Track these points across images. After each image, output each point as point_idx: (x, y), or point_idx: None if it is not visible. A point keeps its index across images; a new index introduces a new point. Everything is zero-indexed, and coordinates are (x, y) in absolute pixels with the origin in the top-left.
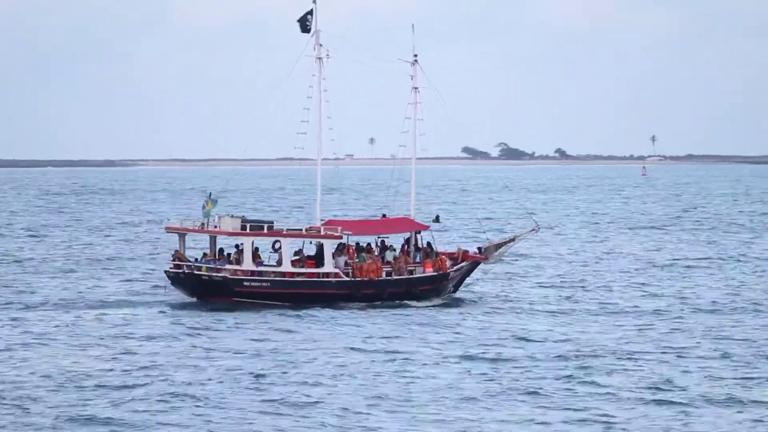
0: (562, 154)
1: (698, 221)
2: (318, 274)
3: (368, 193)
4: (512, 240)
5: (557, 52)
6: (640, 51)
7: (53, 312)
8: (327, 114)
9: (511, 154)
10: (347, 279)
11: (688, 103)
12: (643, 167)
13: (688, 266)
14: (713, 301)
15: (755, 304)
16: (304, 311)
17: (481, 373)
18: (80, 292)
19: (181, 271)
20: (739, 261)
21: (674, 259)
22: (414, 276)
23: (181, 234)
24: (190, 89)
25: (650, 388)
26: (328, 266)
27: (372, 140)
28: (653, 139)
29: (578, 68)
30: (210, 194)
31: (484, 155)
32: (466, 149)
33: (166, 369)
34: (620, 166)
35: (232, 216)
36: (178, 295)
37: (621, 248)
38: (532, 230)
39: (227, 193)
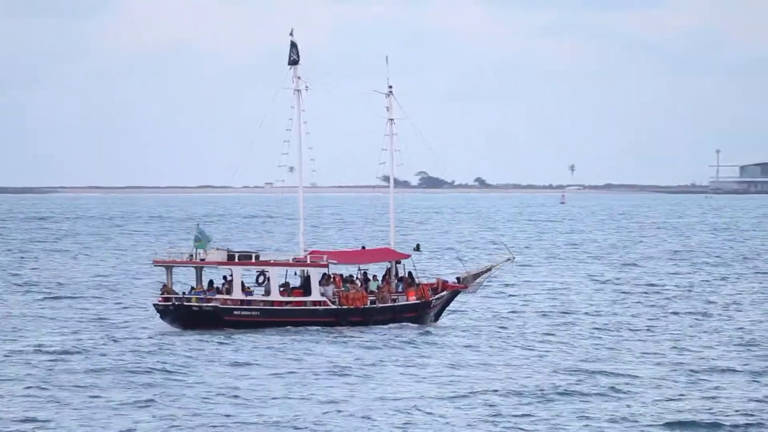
0: (481, 183)
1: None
2: (306, 303)
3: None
4: (489, 270)
5: (477, 81)
6: (560, 81)
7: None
8: (308, 145)
9: (430, 182)
10: (334, 307)
11: (607, 132)
12: (563, 195)
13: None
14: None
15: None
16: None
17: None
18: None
19: (170, 303)
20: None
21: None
22: (398, 304)
23: (169, 267)
24: (110, 117)
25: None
26: (315, 294)
27: (291, 169)
28: (572, 168)
29: (498, 98)
30: (198, 225)
31: (404, 184)
32: (385, 177)
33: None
34: (539, 195)
35: (217, 249)
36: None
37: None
38: (508, 260)
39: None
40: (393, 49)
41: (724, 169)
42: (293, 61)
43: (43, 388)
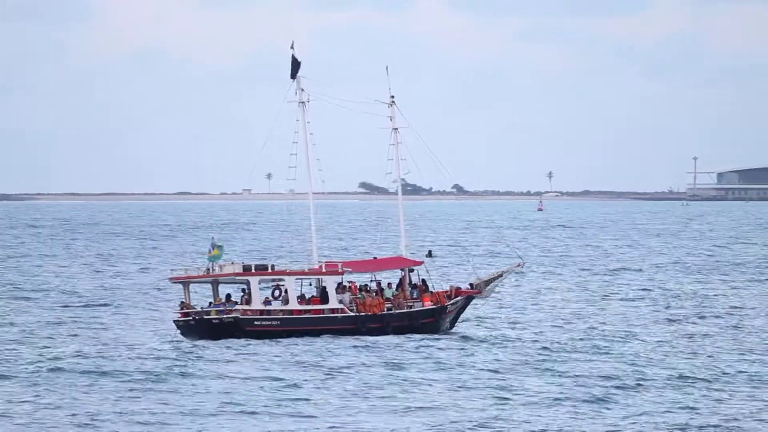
0: (459, 190)
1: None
2: (324, 311)
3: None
4: (500, 275)
5: (454, 88)
6: (538, 87)
7: None
8: (315, 156)
9: (407, 189)
10: (353, 314)
11: (584, 139)
12: (540, 202)
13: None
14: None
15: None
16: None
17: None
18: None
19: (190, 318)
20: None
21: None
22: (415, 309)
23: (186, 283)
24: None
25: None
26: (333, 302)
27: (269, 175)
28: (550, 175)
29: (476, 104)
30: (213, 238)
31: (382, 190)
32: (363, 184)
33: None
34: (517, 201)
35: (232, 263)
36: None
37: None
38: (518, 266)
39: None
40: (370, 56)
41: (701, 176)
42: (295, 75)
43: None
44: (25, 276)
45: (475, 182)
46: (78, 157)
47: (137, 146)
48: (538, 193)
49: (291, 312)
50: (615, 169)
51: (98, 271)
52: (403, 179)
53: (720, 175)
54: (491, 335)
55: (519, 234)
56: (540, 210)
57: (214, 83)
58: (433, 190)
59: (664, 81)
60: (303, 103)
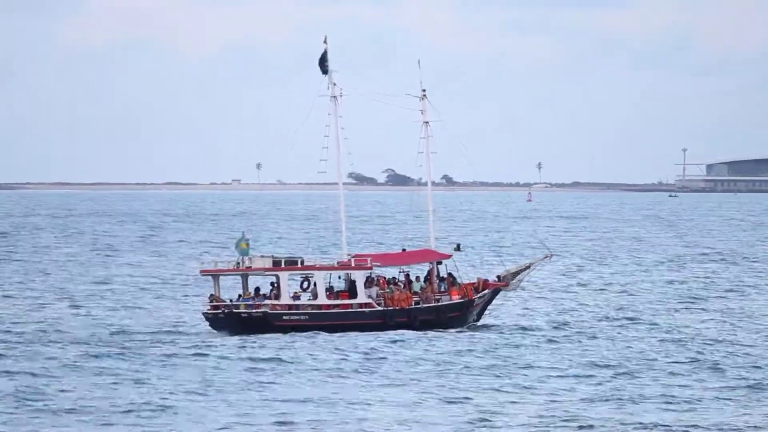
0: (448, 181)
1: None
2: (352, 305)
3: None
4: (528, 267)
5: (443, 79)
6: (528, 78)
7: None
8: (347, 150)
9: (397, 180)
10: (381, 309)
11: (574, 130)
12: (529, 193)
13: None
14: None
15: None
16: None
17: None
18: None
19: (219, 311)
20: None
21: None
22: (442, 303)
23: (215, 276)
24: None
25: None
26: (362, 297)
27: (259, 165)
28: (539, 166)
29: (465, 95)
30: (243, 233)
31: (371, 181)
32: (352, 175)
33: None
34: (506, 192)
35: (261, 256)
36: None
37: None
38: (546, 257)
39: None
40: (358, 47)
41: (690, 167)
42: (325, 70)
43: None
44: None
45: (464, 173)
46: (65, 146)
47: (125, 136)
48: (528, 185)
49: (320, 307)
50: (605, 160)
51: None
52: (392, 170)
53: (709, 167)
54: (517, 326)
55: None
56: (529, 201)
57: (203, 73)
58: (422, 180)
59: (654, 73)
60: (335, 97)
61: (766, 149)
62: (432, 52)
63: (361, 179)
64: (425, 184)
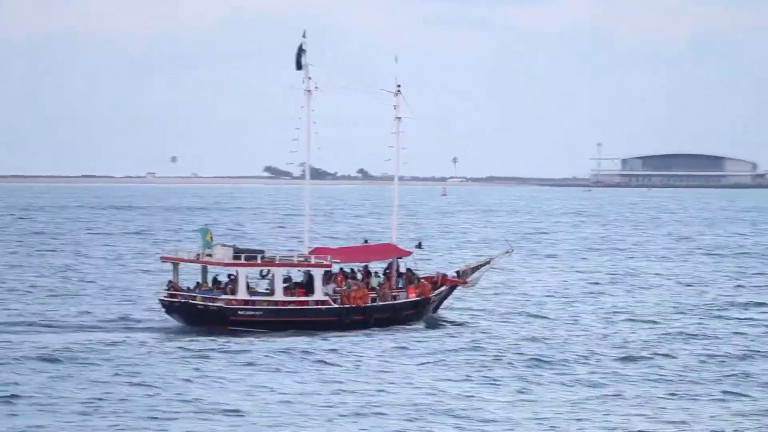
0: (364, 175)
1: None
2: (309, 302)
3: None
4: (488, 263)
5: (362, 72)
6: (444, 72)
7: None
8: (317, 145)
9: (313, 173)
10: (336, 306)
11: (489, 125)
12: (444, 187)
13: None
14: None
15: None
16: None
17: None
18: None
19: (176, 300)
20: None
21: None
22: (398, 302)
23: (175, 264)
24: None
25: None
26: (318, 294)
27: (174, 158)
28: (455, 160)
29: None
30: (206, 225)
31: (287, 174)
32: (268, 168)
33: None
34: (422, 186)
35: (223, 245)
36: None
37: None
38: (506, 252)
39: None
40: (281, 40)
41: (605, 162)
42: (302, 65)
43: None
44: None
45: (380, 167)
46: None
47: (38, 129)
48: (443, 179)
49: (276, 303)
50: (519, 154)
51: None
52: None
53: (624, 162)
54: (470, 321)
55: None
56: (444, 195)
57: (119, 65)
58: (338, 174)
59: (570, 66)
60: (309, 91)
61: (680, 144)
62: (350, 45)
63: (277, 173)
64: (342, 177)
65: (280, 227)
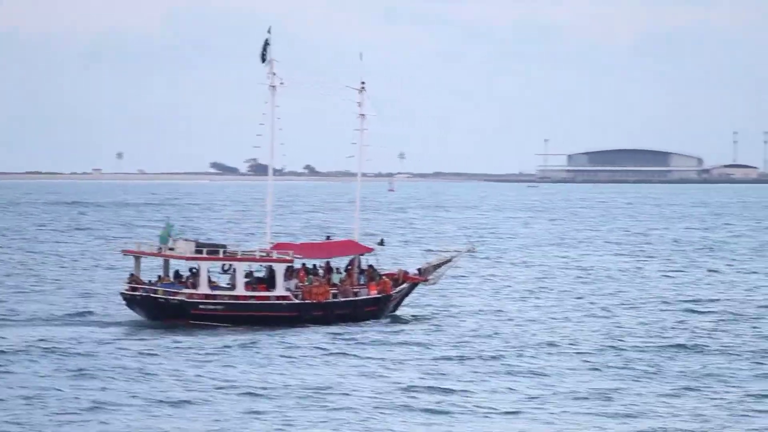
0: (311, 171)
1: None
2: (270, 297)
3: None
4: (449, 260)
5: (311, 68)
6: (391, 68)
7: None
8: (280, 141)
9: (260, 169)
10: (297, 302)
11: (435, 121)
12: (390, 183)
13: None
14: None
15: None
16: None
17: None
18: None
19: (137, 293)
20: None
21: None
22: (359, 298)
23: (137, 257)
24: None
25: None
26: (280, 289)
27: (120, 155)
28: (402, 156)
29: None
30: (168, 218)
31: (233, 170)
32: (214, 164)
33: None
34: (369, 182)
35: (185, 239)
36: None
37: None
38: (468, 251)
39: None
40: (229, 37)
41: (551, 157)
42: (266, 59)
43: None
44: None
45: (327, 163)
46: None
47: None
48: (390, 174)
49: (237, 297)
50: (466, 150)
51: None
52: (254, 159)
53: (570, 157)
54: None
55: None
56: (391, 191)
57: (65, 61)
58: (285, 170)
59: (516, 62)
60: (274, 86)
61: (626, 140)
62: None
63: (223, 169)
64: (289, 173)
65: (232, 223)
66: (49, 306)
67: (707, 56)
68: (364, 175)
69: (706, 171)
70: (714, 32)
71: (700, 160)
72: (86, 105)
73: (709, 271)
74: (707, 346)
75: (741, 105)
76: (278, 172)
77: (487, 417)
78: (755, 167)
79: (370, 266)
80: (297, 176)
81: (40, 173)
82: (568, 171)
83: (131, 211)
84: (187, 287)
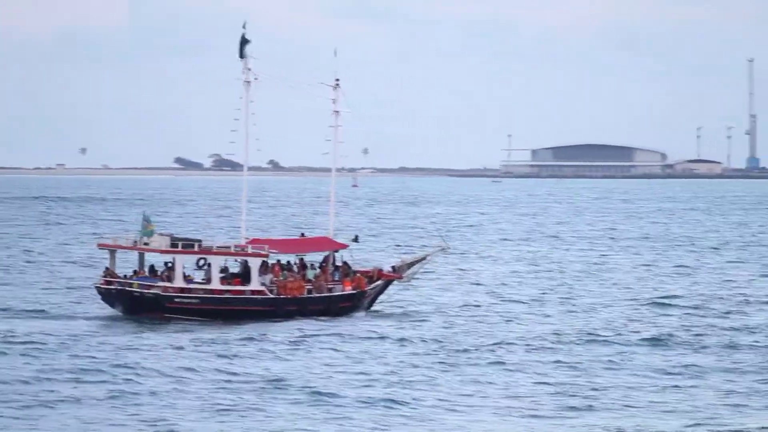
0: (275, 166)
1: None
2: (245, 292)
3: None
4: (423, 259)
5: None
6: (352, 63)
7: None
8: (256, 136)
9: (224, 164)
10: (272, 296)
11: (399, 116)
12: (354, 178)
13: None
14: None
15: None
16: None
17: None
18: None
19: (112, 287)
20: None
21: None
22: (334, 294)
23: (113, 251)
24: None
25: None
26: (255, 284)
27: (84, 150)
28: (365, 151)
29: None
30: (144, 213)
31: (197, 165)
32: (178, 159)
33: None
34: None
35: (160, 234)
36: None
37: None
38: (442, 249)
39: None
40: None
41: (515, 152)
42: (244, 55)
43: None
44: None
45: (290, 158)
46: None
47: None
48: (353, 170)
49: (212, 291)
50: (430, 145)
51: None
52: (217, 154)
53: (534, 153)
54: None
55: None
56: (355, 186)
57: (28, 56)
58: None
59: (479, 57)
60: (249, 82)
61: (590, 135)
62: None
63: (186, 164)
64: (253, 168)
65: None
66: (16, 300)
67: (671, 52)
68: (326, 169)
69: (670, 166)
70: (678, 27)
71: (663, 156)
72: (49, 100)
73: (676, 266)
74: (677, 339)
75: (705, 100)
76: (241, 167)
77: (454, 411)
78: (719, 162)
79: (345, 263)
80: (261, 171)
81: (4, 168)
82: (532, 166)
83: (98, 206)
84: (163, 281)
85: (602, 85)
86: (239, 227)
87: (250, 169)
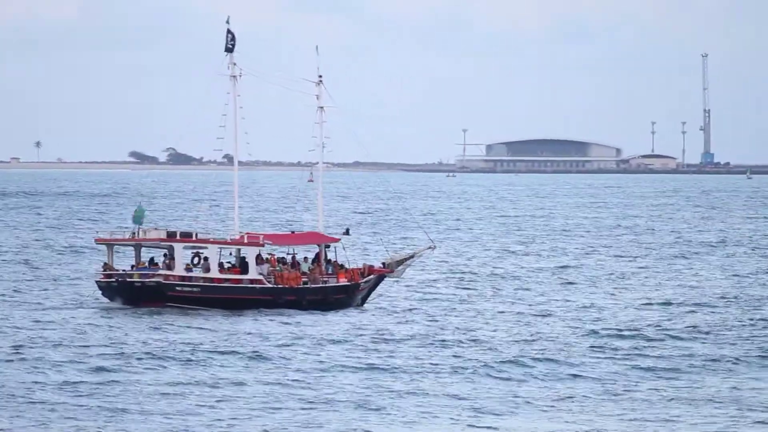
0: (230, 160)
1: None
2: (243, 281)
3: None
4: (412, 256)
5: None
6: (307, 58)
7: None
8: (244, 130)
9: (179, 158)
10: (271, 286)
11: (355, 111)
12: (310, 173)
13: None
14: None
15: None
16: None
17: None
18: None
19: (113, 280)
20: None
21: None
22: (330, 285)
23: (110, 245)
24: None
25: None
26: (253, 273)
27: (38, 144)
28: (322, 146)
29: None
30: (139, 203)
31: (153, 159)
32: (133, 153)
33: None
34: (289, 171)
35: (156, 228)
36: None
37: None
38: (429, 248)
39: None
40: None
41: (470, 147)
42: (229, 49)
43: None
44: None
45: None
46: None
47: None
48: (309, 164)
49: (212, 280)
50: (385, 140)
51: None
52: (172, 148)
53: (489, 147)
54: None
55: None
56: (311, 181)
57: None
58: (204, 159)
59: (434, 52)
60: (235, 77)
61: (544, 130)
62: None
63: (142, 158)
64: (208, 162)
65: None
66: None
67: (626, 47)
68: (281, 164)
69: (625, 161)
70: (633, 21)
71: (618, 151)
72: (3, 93)
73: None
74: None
75: (659, 96)
76: (197, 161)
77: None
78: (674, 158)
79: (334, 261)
80: (217, 165)
81: None
82: (487, 161)
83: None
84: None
85: (557, 81)
86: (234, 221)
87: (205, 163)
